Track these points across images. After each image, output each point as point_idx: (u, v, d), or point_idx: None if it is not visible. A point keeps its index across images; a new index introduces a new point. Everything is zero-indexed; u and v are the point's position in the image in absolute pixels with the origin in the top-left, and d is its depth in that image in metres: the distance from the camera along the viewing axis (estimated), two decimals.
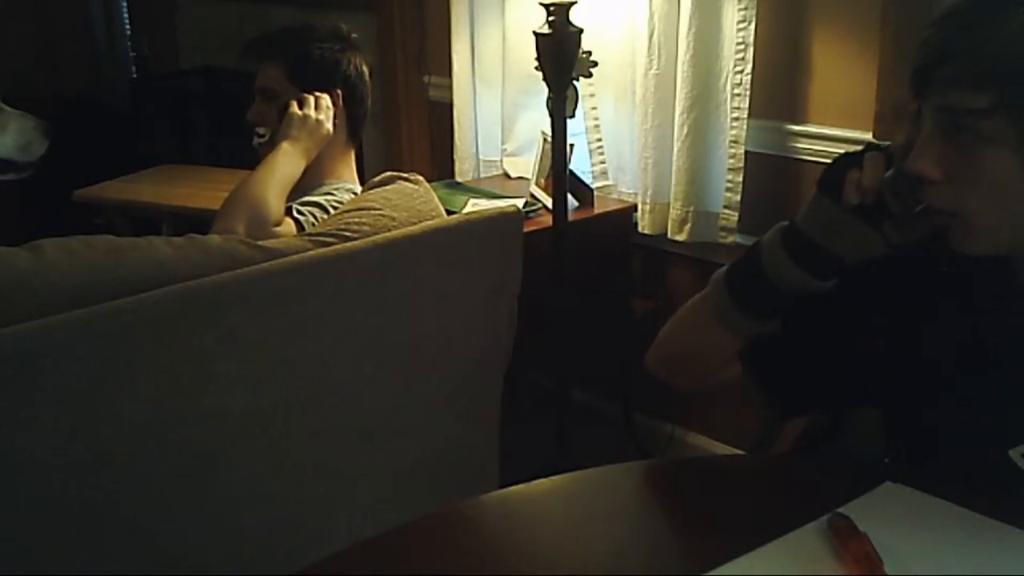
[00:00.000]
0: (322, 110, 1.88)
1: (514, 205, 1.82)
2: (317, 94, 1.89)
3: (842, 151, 2.46)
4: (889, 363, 1.11)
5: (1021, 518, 0.97)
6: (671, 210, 2.46)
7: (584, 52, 2.20)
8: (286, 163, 1.81)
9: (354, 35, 1.99)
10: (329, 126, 1.88)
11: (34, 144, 2.07)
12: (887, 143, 1.04)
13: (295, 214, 1.77)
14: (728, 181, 2.35)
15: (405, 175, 1.77)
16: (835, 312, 1.11)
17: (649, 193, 2.49)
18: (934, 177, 0.96)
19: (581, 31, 2.14)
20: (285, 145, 1.83)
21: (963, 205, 0.96)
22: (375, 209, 1.61)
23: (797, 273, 1.06)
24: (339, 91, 1.93)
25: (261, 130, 1.93)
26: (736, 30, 2.26)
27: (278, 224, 1.72)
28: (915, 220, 1.00)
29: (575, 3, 2.09)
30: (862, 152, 1.03)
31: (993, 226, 0.97)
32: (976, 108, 0.92)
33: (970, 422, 1.07)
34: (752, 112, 2.29)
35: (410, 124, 3.20)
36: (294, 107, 1.86)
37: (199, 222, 1.83)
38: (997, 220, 0.96)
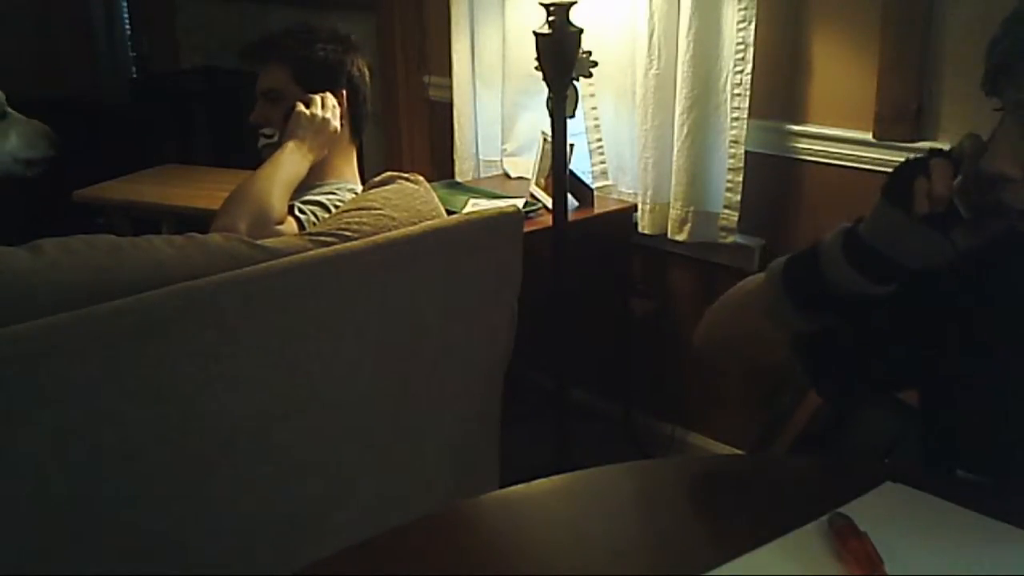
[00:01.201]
0: (328, 109, 1.88)
1: (514, 205, 1.82)
2: (323, 94, 1.89)
3: (842, 151, 2.47)
4: (936, 347, 1.12)
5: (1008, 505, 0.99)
6: (671, 210, 2.46)
7: (584, 52, 2.20)
8: (291, 162, 1.81)
9: (353, 36, 1.99)
10: (336, 124, 1.89)
11: (38, 146, 2.18)
12: (948, 147, 1.01)
13: (297, 213, 1.77)
14: (728, 181, 2.35)
15: (405, 175, 1.77)
16: (889, 301, 1.10)
17: (649, 193, 2.49)
18: (1016, 176, 0.94)
19: (581, 31, 2.14)
20: (291, 144, 1.83)
21: None
22: (375, 209, 1.61)
23: (860, 281, 1.04)
24: (343, 91, 1.93)
25: (267, 131, 1.93)
26: (736, 30, 2.26)
27: (280, 223, 1.72)
28: (985, 223, 0.98)
29: (575, 3, 2.09)
30: (926, 159, 1.01)
31: None
32: None
33: (999, 409, 1.08)
34: (752, 112, 2.29)
35: (410, 124, 3.20)
36: (301, 107, 1.86)
37: (199, 222, 1.83)
38: None
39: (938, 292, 1.10)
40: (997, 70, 0.96)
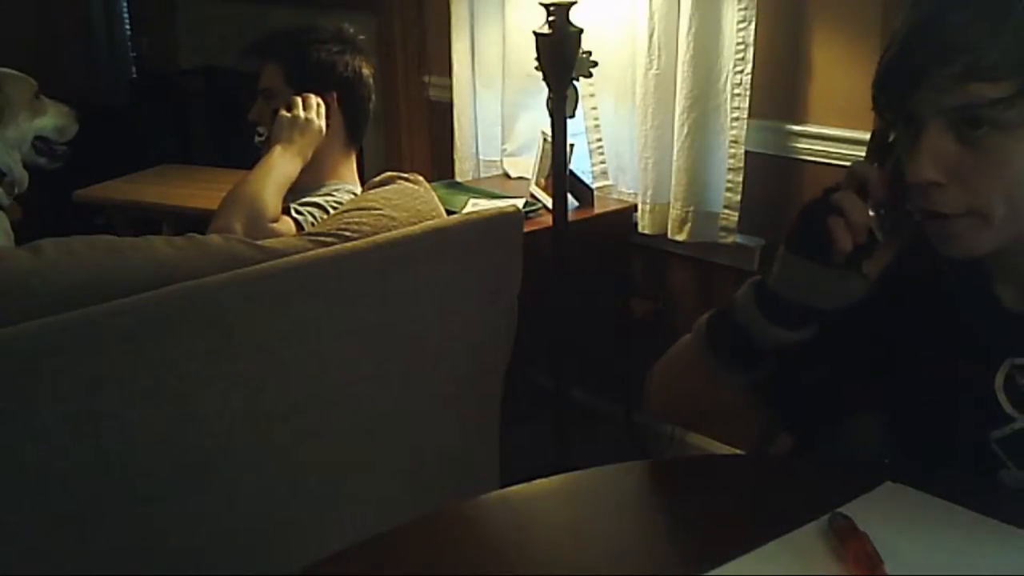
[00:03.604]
0: (311, 109, 1.88)
1: (514, 205, 1.82)
2: (307, 95, 1.89)
3: (842, 151, 2.46)
4: (880, 368, 1.13)
5: (1008, 504, 0.99)
6: (671, 210, 2.46)
7: (584, 52, 2.20)
8: (281, 163, 1.82)
9: (361, 36, 1.99)
10: (321, 123, 1.89)
11: (68, 127, 2.29)
12: (834, 184, 1.03)
13: (294, 214, 1.77)
14: (728, 181, 2.35)
15: (405, 175, 1.77)
16: (826, 336, 1.11)
17: (649, 193, 2.49)
18: (943, 181, 0.96)
19: (581, 31, 2.14)
20: (278, 148, 1.84)
21: (978, 201, 0.96)
22: (375, 209, 1.61)
23: (781, 333, 1.06)
24: (334, 93, 1.93)
25: (261, 129, 1.94)
26: (736, 30, 2.26)
27: (275, 220, 1.73)
28: (892, 242, 1.00)
29: (575, 3, 2.09)
30: (823, 199, 1.02)
31: (1006, 217, 0.97)
32: (997, 98, 0.92)
33: (954, 410, 1.08)
34: (752, 112, 2.29)
35: (410, 124, 3.20)
36: (283, 111, 1.87)
37: (199, 222, 1.84)
38: (1011, 209, 0.96)
39: (862, 319, 1.09)
40: (909, 77, 0.97)
